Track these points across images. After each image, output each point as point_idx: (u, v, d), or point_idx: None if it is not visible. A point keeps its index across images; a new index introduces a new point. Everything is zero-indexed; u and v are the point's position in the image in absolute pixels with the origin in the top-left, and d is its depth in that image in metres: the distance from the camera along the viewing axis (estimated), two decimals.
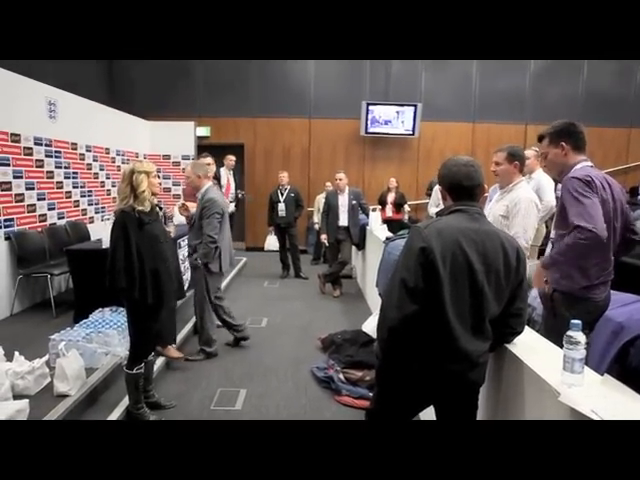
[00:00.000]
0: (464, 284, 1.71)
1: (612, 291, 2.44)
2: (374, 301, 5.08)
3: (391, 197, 8.44)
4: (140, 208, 2.86)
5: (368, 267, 6.14)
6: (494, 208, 2.99)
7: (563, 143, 2.35)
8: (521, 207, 2.83)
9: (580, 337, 1.50)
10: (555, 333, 1.90)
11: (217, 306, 4.28)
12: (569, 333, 1.51)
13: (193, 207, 4.23)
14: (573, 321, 1.52)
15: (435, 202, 5.89)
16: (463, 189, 1.83)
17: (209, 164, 4.72)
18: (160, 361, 3.79)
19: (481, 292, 1.73)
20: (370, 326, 4.09)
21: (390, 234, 5.16)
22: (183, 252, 5.00)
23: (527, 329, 2.01)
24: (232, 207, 7.24)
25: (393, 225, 7.23)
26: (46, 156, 5.65)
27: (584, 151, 2.38)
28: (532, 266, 2.86)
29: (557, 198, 2.38)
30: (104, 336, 3.59)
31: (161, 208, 3.26)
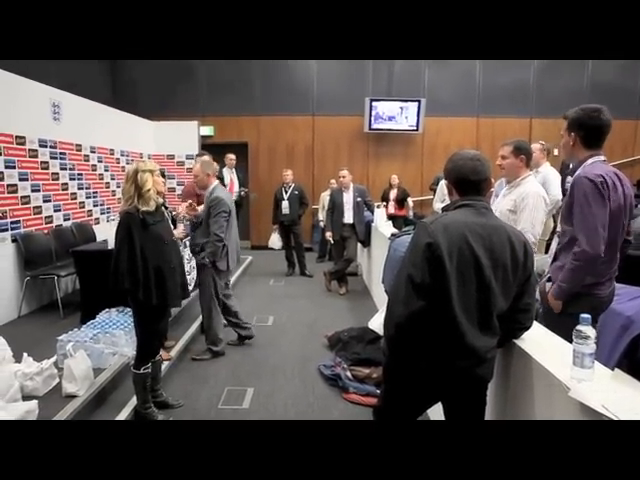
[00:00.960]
0: (471, 279, 1.70)
1: (619, 284, 2.41)
2: (380, 298, 5.07)
3: (393, 194, 8.44)
4: (145, 208, 2.86)
5: (374, 264, 6.13)
6: (501, 203, 2.96)
7: (573, 134, 2.29)
8: (529, 202, 2.80)
9: (590, 332, 1.48)
10: (564, 329, 1.88)
11: (224, 304, 4.30)
12: (579, 328, 1.50)
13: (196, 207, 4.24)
14: (583, 315, 1.50)
15: (440, 197, 5.87)
16: (469, 183, 1.82)
17: None
18: (167, 360, 3.80)
19: (488, 287, 1.71)
20: (376, 323, 4.08)
21: (395, 230, 5.15)
22: (188, 252, 5.01)
23: (535, 324, 1.99)
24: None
25: (397, 221, 7.23)
26: (51, 158, 5.67)
27: (597, 147, 2.27)
28: (539, 260, 2.83)
29: (565, 191, 2.34)
30: (111, 336, 3.60)
31: (166, 207, 3.26)
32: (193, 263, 4.80)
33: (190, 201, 4.34)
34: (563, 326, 1.93)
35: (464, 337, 1.69)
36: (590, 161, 2.25)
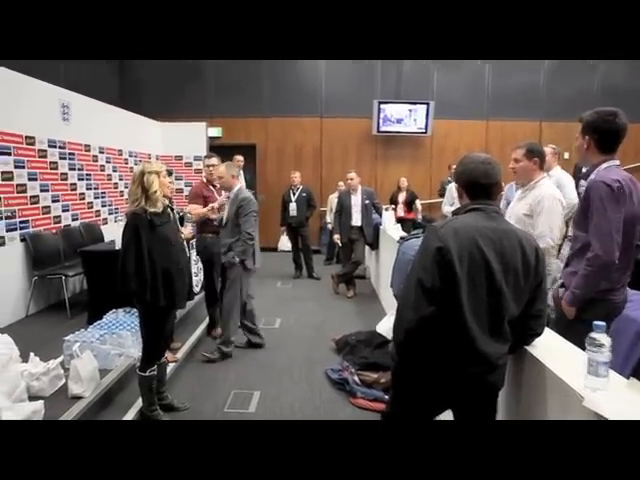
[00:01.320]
0: (482, 284, 1.68)
1: (632, 291, 2.38)
2: (388, 301, 5.04)
3: (402, 197, 8.43)
4: (152, 210, 2.85)
5: (382, 267, 6.11)
6: (516, 207, 2.92)
7: (588, 137, 2.25)
8: (545, 205, 2.76)
9: (604, 339, 1.45)
10: (577, 336, 1.85)
11: (244, 305, 4.33)
12: (593, 335, 1.47)
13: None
14: (596, 322, 1.47)
15: (449, 201, 5.83)
16: (480, 187, 1.80)
17: (213, 165, 4.67)
18: (173, 362, 3.79)
19: (499, 292, 1.69)
20: (385, 327, 4.05)
21: (404, 233, 5.12)
22: (195, 253, 5.00)
23: (547, 330, 1.96)
24: None
25: (405, 224, 7.20)
26: (60, 158, 5.70)
27: (612, 151, 2.23)
28: (555, 263, 2.78)
29: (579, 195, 2.31)
30: (118, 337, 3.60)
31: (172, 209, 3.26)
32: (200, 264, 4.80)
33: (212, 204, 4.37)
34: (576, 333, 1.90)
35: (475, 343, 1.67)
36: (604, 165, 2.22)
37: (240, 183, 4.29)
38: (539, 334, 1.87)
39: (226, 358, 4.17)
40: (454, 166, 7.54)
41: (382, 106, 9.34)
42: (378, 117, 9.37)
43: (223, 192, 4.53)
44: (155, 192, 2.87)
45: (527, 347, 1.88)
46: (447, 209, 5.75)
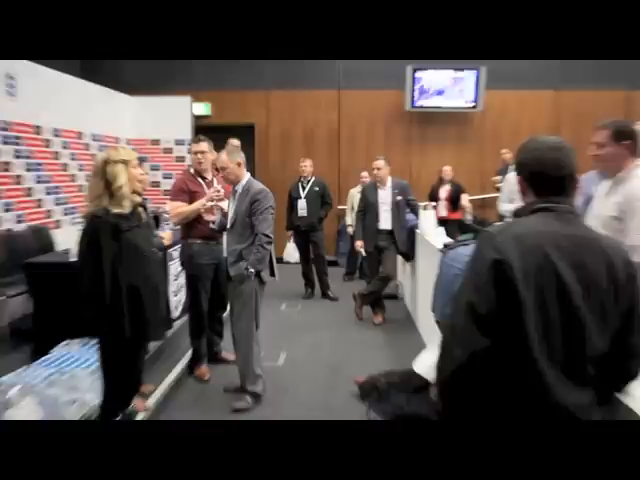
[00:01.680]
0: (555, 310, 1.64)
1: None
2: (428, 329, 5.02)
3: (445, 191, 8.40)
4: (117, 211, 2.85)
5: (420, 284, 6.10)
6: (601, 207, 2.87)
7: None
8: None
9: None
10: None
11: None
12: None
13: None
14: None
15: (507, 197, 5.76)
16: (549, 180, 1.78)
17: (203, 152, 4.66)
18: (144, 412, 3.76)
19: (579, 321, 1.65)
20: (424, 365, 3.99)
21: (448, 239, 5.07)
22: (175, 266, 5.00)
23: None
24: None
25: (450, 227, 7.14)
26: (3, 143, 5.77)
27: None
28: None
29: None
30: (70, 378, 3.61)
31: (146, 208, 3.26)
32: (181, 280, 4.79)
33: (211, 204, 4.33)
34: None
35: (548, 390, 1.63)
36: None
37: (248, 173, 4.24)
38: (634, 377, 1.82)
39: (259, 399, 4.16)
40: (504, 151, 7.60)
41: (418, 74, 9.37)
42: (413, 88, 9.41)
43: (215, 184, 4.51)
44: (120, 187, 2.87)
45: (619, 395, 1.84)
46: (506, 207, 5.68)
